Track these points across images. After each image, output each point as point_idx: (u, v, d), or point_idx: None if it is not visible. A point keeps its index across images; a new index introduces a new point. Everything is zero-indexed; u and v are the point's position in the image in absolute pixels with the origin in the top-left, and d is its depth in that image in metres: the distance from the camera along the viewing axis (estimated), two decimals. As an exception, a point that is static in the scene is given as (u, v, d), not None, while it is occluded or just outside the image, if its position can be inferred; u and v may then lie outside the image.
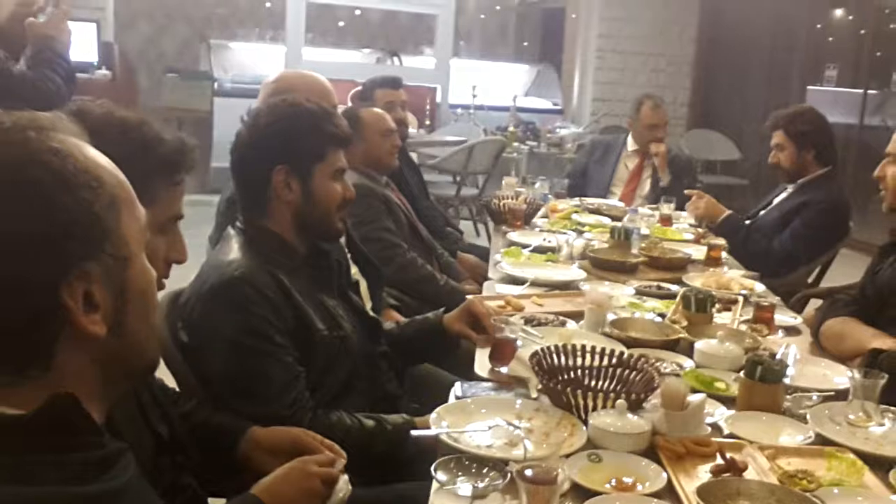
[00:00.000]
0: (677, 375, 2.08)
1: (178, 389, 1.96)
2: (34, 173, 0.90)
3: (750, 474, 1.65)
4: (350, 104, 4.54)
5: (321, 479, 1.56)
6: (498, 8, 13.42)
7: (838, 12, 10.37)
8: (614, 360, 2.03)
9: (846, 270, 4.15)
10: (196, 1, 11.26)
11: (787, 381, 2.05)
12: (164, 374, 1.86)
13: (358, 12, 12.15)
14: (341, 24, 12.22)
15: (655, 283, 3.01)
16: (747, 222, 4.08)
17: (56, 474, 0.89)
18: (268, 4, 11.95)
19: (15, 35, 2.57)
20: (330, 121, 2.10)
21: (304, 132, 2.06)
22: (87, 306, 0.93)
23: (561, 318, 2.56)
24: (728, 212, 4.01)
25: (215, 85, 8.62)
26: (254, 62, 9.27)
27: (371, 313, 2.47)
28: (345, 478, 1.65)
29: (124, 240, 0.97)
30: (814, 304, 3.38)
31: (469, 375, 2.20)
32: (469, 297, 2.55)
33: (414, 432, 1.87)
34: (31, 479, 0.87)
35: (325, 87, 3.01)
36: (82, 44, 6.30)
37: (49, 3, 2.60)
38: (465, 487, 1.56)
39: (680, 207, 4.36)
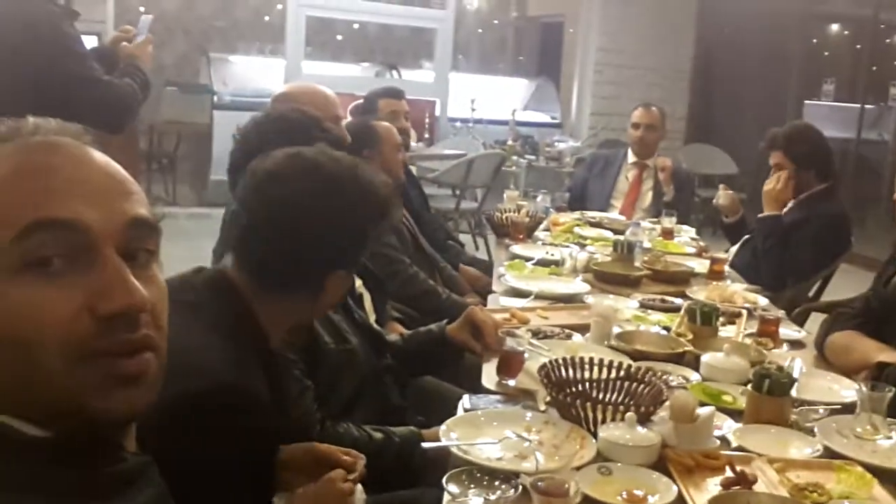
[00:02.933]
0: (685, 388, 2.09)
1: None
2: None
3: (760, 487, 1.65)
4: (349, 118, 4.55)
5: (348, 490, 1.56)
6: (496, 22, 13.48)
7: (834, 27, 10.45)
8: (622, 373, 2.04)
9: (846, 285, 4.16)
10: (196, 14, 11.30)
11: (793, 394, 2.06)
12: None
13: (356, 26, 12.21)
14: (340, 37, 12.27)
15: (659, 297, 3.01)
16: (745, 237, 4.10)
17: (77, 488, 0.87)
18: (266, 18, 11.99)
19: (115, 54, 3.42)
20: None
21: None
22: None
23: (567, 330, 2.56)
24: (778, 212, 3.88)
25: (215, 98, 8.63)
26: (254, 75, 9.28)
27: (375, 326, 2.48)
28: (359, 487, 1.65)
29: None
30: (815, 317, 3.39)
31: (473, 389, 2.20)
32: (470, 306, 2.56)
33: (425, 444, 1.87)
34: (53, 493, 0.85)
35: (329, 98, 3.03)
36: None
37: (140, 33, 3.51)
38: (476, 500, 1.56)
39: (681, 221, 4.38)
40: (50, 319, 0.84)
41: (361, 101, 4.78)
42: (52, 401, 0.86)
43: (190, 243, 4.15)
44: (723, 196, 4.29)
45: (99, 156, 0.93)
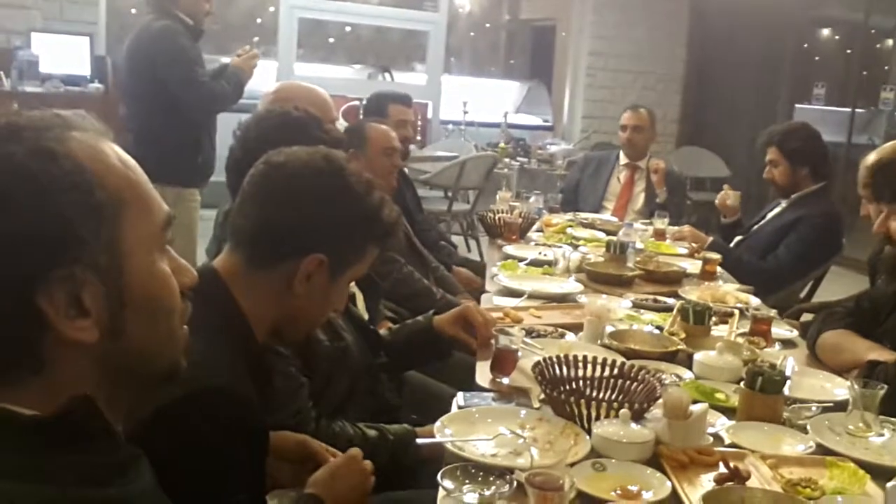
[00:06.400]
0: (678, 385, 2.09)
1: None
2: (3, 179, 0.86)
3: (753, 483, 1.66)
4: (342, 120, 4.53)
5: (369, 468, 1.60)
6: (488, 25, 13.51)
7: (825, 32, 10.50)
8: (616, 371, 2.04)
9: (836, 286, 4.19)
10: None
11: (785, 392, 2.07)
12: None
13: (348, 29, 12.21)
14: (332, 40, 12.28)
15: (652, 297, 3.02)
16: (738, 238, 4.13)
17: (74, 475, 0.88)
18: (258, 20, 12.00)
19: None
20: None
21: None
22: (75, 311, 0.88)
23: (560, 329, 2.57)
24: (710, 238, 4.05)
25: (206, 99, 8.60)
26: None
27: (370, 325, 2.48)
28: None
29: (125, 243, 0.92)
30: (806, 318, 3.41)
31: (466, 388, 2.20)
32: (466, 303, 2.56)
33: (420, 440, 1.88)
34: (50, 479, 0.86)
35: (324, 99, 3.03)
36: (76, 57, 6.29)
37: (253, 48, 4.47)
38: (471, 495, 1.56)
39: (673, 223, 4.40)
40: (176, 290, 1.00)
41: (354, 103, 4.76)
42: (171, 357, 1.02)
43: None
44: (732, 196, 4.32)
45: None
